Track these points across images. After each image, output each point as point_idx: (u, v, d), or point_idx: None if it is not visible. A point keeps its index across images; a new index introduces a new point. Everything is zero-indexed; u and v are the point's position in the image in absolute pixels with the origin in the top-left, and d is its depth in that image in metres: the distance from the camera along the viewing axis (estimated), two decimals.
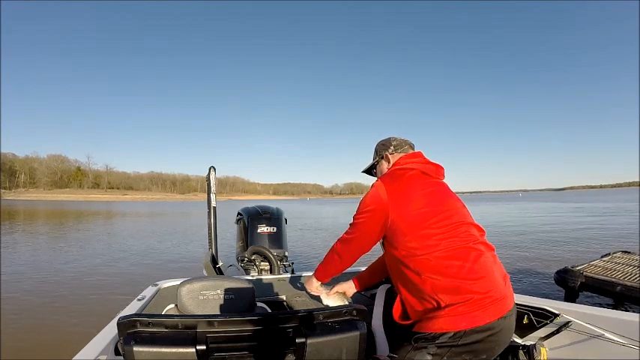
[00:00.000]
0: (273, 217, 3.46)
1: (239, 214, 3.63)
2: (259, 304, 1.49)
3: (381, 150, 1.43)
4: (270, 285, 2.06)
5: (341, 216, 22.74)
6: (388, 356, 1.09)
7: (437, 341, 1.01)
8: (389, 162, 1.38)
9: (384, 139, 1.46)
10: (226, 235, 6.19)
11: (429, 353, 1.01)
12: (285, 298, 1.84)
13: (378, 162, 1.44)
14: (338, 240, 1.34)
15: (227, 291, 1.35)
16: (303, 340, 0.76)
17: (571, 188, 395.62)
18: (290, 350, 0.80)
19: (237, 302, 1.35)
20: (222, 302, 1.35)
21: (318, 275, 1.47)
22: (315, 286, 1.53)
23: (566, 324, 1.44)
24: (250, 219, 3.47)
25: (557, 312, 1.47)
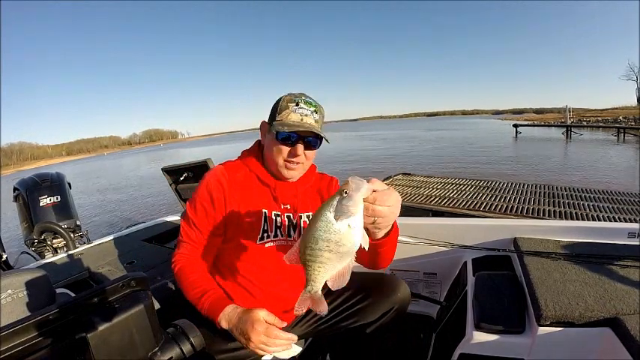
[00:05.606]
0: (53, 184, 3.13)
1: (15, 189, 3.21)
2: (60, 290, 1.34)
3: None
4: (69, 264, 1.91)
5: (143, 166, 20.73)
6: None
7: None
8: None
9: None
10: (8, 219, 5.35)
11: None
12: (89, 273, 1.74)
13: None
14: None
15: (18, 288, 1.15)
16: (82, 335, 0.63)
17: (364, 119, 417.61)
18: (74, 352, 0.65)
19: (34, 298, 1.17)
20: (18, 305, 1.15)
21: None
22: None
23: None
24: (29, 192, 3.07)
25: None
